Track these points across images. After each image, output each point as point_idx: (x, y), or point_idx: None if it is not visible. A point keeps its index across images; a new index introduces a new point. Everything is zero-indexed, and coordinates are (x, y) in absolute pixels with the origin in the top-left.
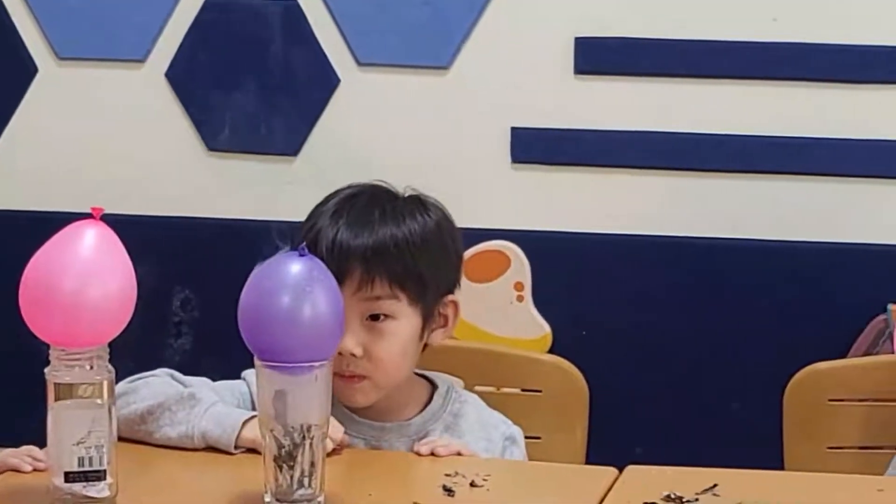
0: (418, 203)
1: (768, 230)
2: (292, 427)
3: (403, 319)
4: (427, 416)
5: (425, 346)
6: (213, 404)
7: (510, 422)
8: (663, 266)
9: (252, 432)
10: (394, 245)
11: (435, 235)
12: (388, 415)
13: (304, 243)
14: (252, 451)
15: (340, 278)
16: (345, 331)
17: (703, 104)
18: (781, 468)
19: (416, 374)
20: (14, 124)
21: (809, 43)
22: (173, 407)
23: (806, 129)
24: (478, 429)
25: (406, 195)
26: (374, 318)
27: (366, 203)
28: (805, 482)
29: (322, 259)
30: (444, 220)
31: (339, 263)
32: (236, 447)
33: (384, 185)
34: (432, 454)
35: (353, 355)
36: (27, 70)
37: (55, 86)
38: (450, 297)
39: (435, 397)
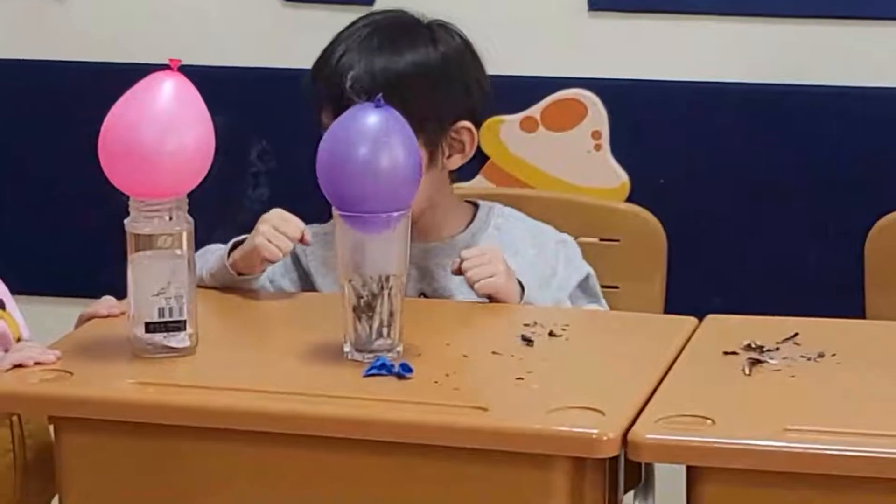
0: (429, 33)
1: (849, 76)
2: (371, 277)
3: None
4: (471, 232)
5: (450, 173)
6: (216, 249)
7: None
8: (742, 113)
9: (240, 252)
10: (383, 78)
11: (437, 67)
12: (431, 234)
13: (380, 94)
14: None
15: (336, 106)
16: None
17: None
18: (863, 317)
19: (465, 201)
20: None
21: None
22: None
23: None
24: (527, 237)
25: (426, 22)
26: None
27: (371, 31)
28: (886, 331)
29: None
30: (456, 50)
31: (330, 89)
32: (234, 270)
33: (406, 12)
34: (460, 272)
35: None
36: None
37: None
38: (462, 123)
39: (478, 215)
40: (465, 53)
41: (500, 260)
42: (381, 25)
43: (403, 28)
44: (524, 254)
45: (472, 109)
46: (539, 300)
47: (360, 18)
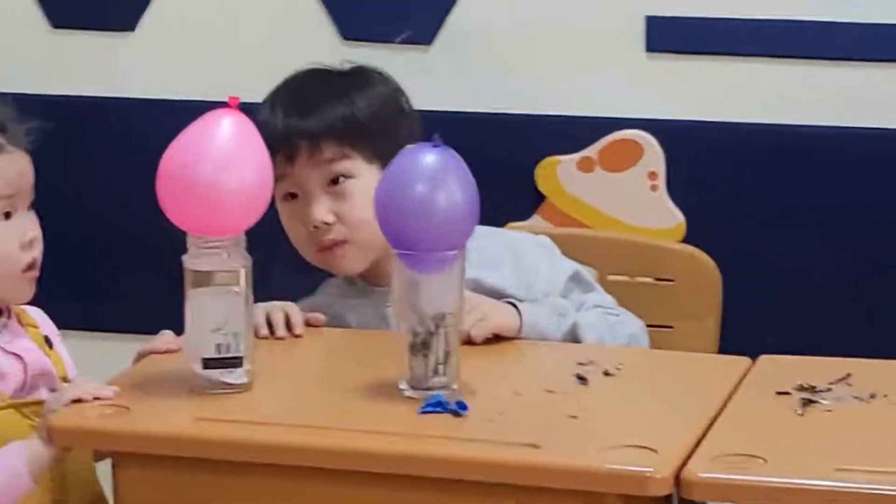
0: (357, 73)
1: None
2: (426, 316)
3: (363, 177)
4: None
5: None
6: None
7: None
8: (798, 155)
9: None
10: (339, 117)
11: (379, 95)
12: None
13: (437, 134)
14: (381, 338)
15: (292, 158)
16: (310, 203)
17: None
18: None
19: None
20: (151, 12)
21: None
22: None
23: None
24: (502, 249)
25: (346, 69)
26: (335, 182)
27: (304, 82)
28: None
29: (269, 147)
30: (385, 80)
31: (288, 148)
32: None
33: (321, 65)
34: (470, 342)
35: (326, 223)
36: None
37: None
38: None
39: None
40: (392, 82)
41: (476, 302)
42: (308, 76)
43: (328, 75)
44: (504, 265)
45: (415, 133)
46: (535, 308)
47: (285, 83)
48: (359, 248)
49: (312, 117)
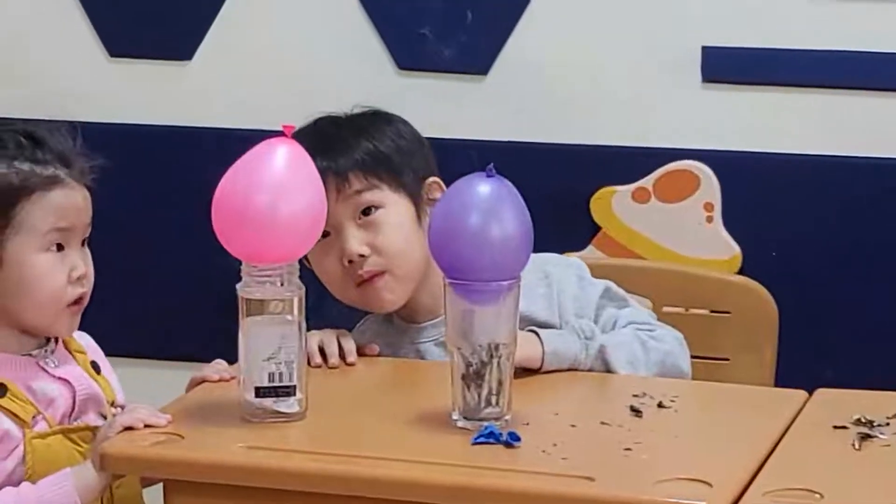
0: (371, 114)
1: None
2: (480, 345)
3: (393, 206)
4: None
5: None
6: None
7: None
8: (856, 186)
9: None
10: (364, 151)
11: (397, 130)
12: (429, 313)
13: (491, 164)
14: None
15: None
16: (344, 237)
17: None
18: None
19: None
20: (207, 42)
21: None
22: None
23: None
24: (533, 274)
25: (359, 112)
26: (366, 213)
27: (324, 127)
28: None
29: None
30: (399, 118)
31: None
32: None
33: (334, 113)
34: None
35: (362, 256)
36: None
37: (247, 4)
38: (431, 179)
39: None
40: (397, 118)
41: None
42: (332, 122)
43: (342, 119)
44: (536, 291)
45: (430, 165)
46: (559, 335)
47: (303, 130)
48: (396, 278)
49: (338, 155)
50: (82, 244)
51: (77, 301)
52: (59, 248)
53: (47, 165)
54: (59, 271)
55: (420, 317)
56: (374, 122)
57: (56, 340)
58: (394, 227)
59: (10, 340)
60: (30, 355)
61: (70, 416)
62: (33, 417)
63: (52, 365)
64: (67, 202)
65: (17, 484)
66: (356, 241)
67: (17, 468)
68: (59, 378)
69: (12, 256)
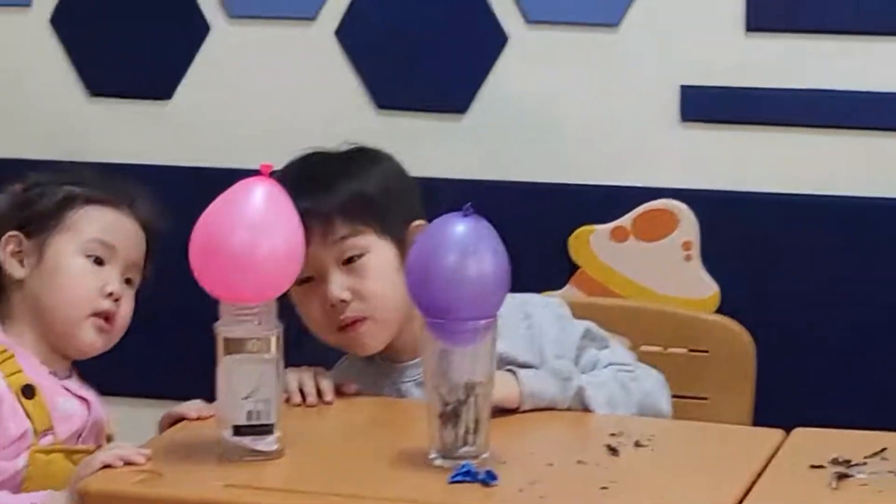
0: (359, 151)
1: None
2: (456, 384)
3: (377, 252)
4: None
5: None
6: None
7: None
8: (834, 226)
9: None
10: (350, 194)
11: (385, 171)
12: (410, 353)
13: (468, 203)
14: (411, 406)
15: (306, 240)
16: (327, 282)
17: (877, 62)
18: None
19: None
20: (187, 82)
21: None
22: None
23: None
24: (514, 314)
25: (346, 149)
26: (350, 260)
27: (310, 164)
28: None
29: None
30: (387, 156)
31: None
32: None
33: (321, 149)
34: None
35: (344, 301)
36: (200, 29)
37: (227, 44)
38: (417, 222)
39: None
40: (388, 158)
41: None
42: (318, 159)
43: (331, 156)
44: (516, 331)
45: (418, 208)
46: (537, 375)
47: (289, 167)
48: (378, 323)
49: (323, 196)
50: (127, 282)
51: (103, 316)
52: (99, 262)
53: (110, 192)
54: (91, 278)
55: (401, 357)
56: (361, 161)
57: (74, 365)
58: (377, 272)
59: (41, 348)
60: (54, 374)
61: (79, 436)
62: (44, 431)
63: (73, 384)
64: (117, 222)
65: (19, 485)
66: (338, 286)
67: (22, 471)
68: (80, 397)
69: (52, 254)
